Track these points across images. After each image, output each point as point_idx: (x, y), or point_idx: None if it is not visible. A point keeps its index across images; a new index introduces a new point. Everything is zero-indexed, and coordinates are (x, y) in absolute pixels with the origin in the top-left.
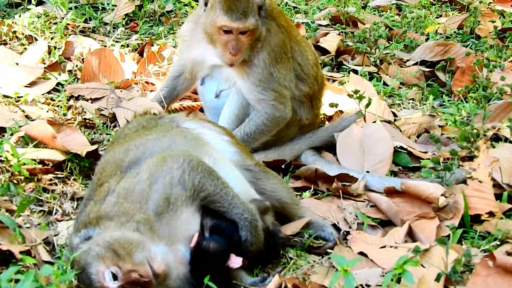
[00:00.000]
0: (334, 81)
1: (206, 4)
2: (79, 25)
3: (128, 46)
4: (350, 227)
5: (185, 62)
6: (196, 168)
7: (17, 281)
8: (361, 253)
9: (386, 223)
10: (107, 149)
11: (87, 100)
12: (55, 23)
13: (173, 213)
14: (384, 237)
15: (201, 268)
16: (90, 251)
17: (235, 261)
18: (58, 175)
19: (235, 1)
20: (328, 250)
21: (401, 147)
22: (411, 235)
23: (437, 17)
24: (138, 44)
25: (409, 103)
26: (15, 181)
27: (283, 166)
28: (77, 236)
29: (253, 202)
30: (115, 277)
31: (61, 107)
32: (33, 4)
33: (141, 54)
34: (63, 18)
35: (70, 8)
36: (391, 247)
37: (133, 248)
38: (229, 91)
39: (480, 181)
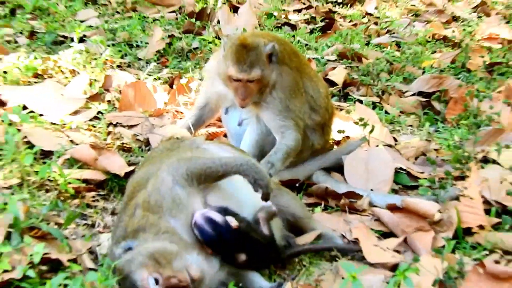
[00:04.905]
0: (341, 110)
1: (225, 49)
2: (116, 61)
3: (159, 79)
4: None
5: (211, 95)
6: (176, 162)
7: (65, 286)
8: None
9: (388, 235)
10: (137, 170)
11: (124, 126)
12: (95, 59)
13: (186, 211)
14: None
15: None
16: (133, 260)
17: (242, 258)
18: (100, 193)
19: (244, 54)
20: (337, 260)
21: (401, 168)
22: (409, 245)
23: (432, 53)
24: (168, 77)
25: (408, 129)
26: (62, 198)
27: (297, 185)
28: (119, 247)
29: (262, 209)
30: (157, 282)
31: (101, 133)
32: (76, 42)
33: (171, 86)
34: (102, 54)
35: (108, 45)
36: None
37: (172, 257)
38: (250, 120)
39: (471, 198)
